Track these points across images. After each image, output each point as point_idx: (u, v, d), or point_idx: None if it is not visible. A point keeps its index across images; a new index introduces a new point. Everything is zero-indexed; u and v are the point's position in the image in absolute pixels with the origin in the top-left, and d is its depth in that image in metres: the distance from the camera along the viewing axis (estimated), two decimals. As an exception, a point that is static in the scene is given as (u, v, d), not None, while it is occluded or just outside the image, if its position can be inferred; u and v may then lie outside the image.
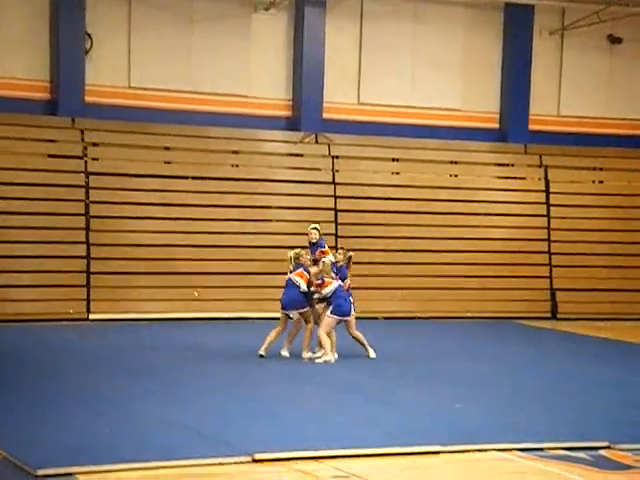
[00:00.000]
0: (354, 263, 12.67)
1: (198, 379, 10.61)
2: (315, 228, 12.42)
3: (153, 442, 7.64)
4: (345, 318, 11.95)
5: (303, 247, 12.60)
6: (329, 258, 12.08)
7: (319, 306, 12.30)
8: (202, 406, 9.09)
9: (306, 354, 12.01)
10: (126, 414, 8.64)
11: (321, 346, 11.92)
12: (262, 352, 12.03)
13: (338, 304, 11.89)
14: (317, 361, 11.81)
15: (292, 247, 12.69)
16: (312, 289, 12.06)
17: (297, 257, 12.17)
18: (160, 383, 10.31)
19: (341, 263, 12.24)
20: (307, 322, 12.07)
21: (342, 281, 12.05)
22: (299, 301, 12.00)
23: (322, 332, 11.86)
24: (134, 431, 8.01)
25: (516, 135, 19.31)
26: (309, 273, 12.08)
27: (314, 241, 12.37)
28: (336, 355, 12.02)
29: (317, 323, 12.18)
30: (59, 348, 12.93)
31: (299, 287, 11.99)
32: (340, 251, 12.65)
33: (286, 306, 12.07)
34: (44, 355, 12.19)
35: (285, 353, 12.10)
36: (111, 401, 9.22)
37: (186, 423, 8.32)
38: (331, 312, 11.88)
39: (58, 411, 8.68)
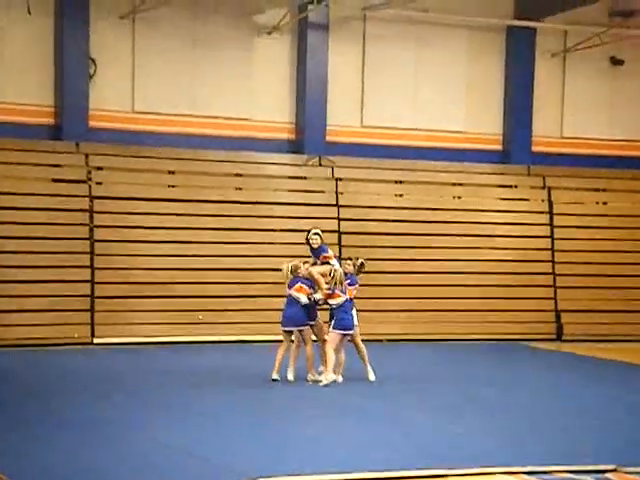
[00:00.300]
0: (365, 272, 12.53)
1: (200, 403, 10.57)
2: (316, 233, 12.17)
3: (154, 467, 7.60)
4: (348, 332, 11.85)
5: (302, 257, 12.41)
6: (340, 269, 11.90)
7: (318, 322, 12.15)
8: (204, 430, 9.06)
9: (311, 376, 11.95)
10: (127, 438, 8.61)
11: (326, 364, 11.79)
12: (275, 376, 11.91)
13: (340, 318, 11.77)
14: (321, 384, 11.72)
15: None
16: (318, 297, 11.83)
17: (295, 269, 11.98)
18: (162, 407, 10.28)
19: (351, 273, 12.13)
20: (305, 343, 11.93)
21: (351, 286, 11.90)
22: (299, 318, 11.88)
23: (329, 348, 11.73)
24: (135, 455, 7.98)
25: (519, 156, 19.35)
26: (310, 286, 11.88)
27: (316, 246, 12.17)
28: (340, 378, 11.96)
29: (318, 338, 12.05)
30: (62, 372, 12.90)
31: (299, 302, 11.88)
32: (349, 262, 12.30)
33: (286, 323, 11.99)
34: (47, 379, 12.16)
35: (290, 376, 12.01)
36: (112, 425, 9.19)
37: (188, 447, 8.28)
38: (334, 327, 11.78)
39: (58, 435, 8.65)
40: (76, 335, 15.49)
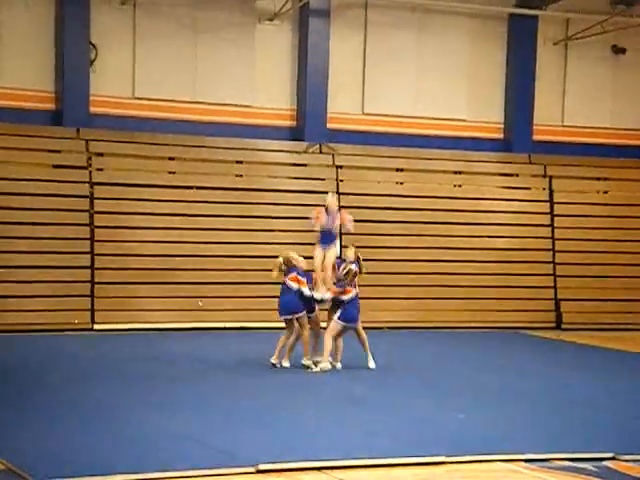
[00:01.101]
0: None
1: (201, 389, 10.59)
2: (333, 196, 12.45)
3: (156, 453, 7.62)
4: (351, 325, 11.89)
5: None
6: (354, 267, 11.93)
7: (316, 314, 12.19)
8: (205, 416, 9.08)
9: (305, 361, 11.94)
10: (128, 424, 8.63)
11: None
12: (273, 360, 11.96)
13: (346, 310, 11.82)
14: (314, 370, 11.73)
15: (303, 257, 12.44)
16: (328, 296, 11.86)
17: (288, 260, 12.00)
18: (163, 393, 10.30)
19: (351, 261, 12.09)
20: (302, 328, 11.90)
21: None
22: (293, 305, 11.91)
23: (328, 336, 11.78)
24: (136, 442, 8.00)
25: (520, 145, 19.33)
26: (303, 276, 11.91)
27: (335, 208, 12.32)
28: (339, 365, 12.00)
29: (313, 329, 12.10)
30: (63, 358, 12.92)
31: (294, 291, 11.87)
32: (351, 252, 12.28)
33: (281, 312, 12.05)
34: (47, 365, 12.18)
35: (286, 364, 12.03)
36: (113, 411, 9.21)
37: (189, 434, 8.30)
38: (338, 317, 11.81)
39: (59, 421, 8.67)
40: (76, 321, 15.51)
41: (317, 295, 11.98)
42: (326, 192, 17.52)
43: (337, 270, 12.07)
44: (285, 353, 12.07)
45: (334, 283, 11.96)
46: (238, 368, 12.14)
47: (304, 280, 11.97)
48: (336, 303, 11.99)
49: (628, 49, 19.89)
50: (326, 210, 12.42)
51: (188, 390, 10.51)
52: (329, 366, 11.81)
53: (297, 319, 11.96)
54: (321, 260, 12.13)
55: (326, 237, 12.30)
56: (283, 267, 12.06)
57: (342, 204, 17.57)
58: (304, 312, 11.97)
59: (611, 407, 10.34)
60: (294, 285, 11.92)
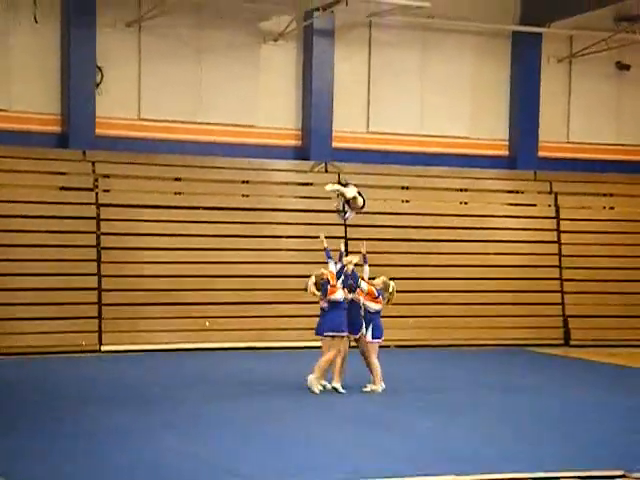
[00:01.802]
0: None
1: (209, 410, 10.58)
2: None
3: (163, 473, 7.61)
4: (381, 341, 11.86)
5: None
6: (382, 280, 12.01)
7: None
8: (213, 437, 9.07)
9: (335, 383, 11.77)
10: (136, 445, 8.62)
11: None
12: (337, 386, 11.69)
13: (377, 326, 11.77)
14: (365, 390, 11.72)
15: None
16: (365, 300, 11.75)
17: (321, 278, 11.77)
18: (171, 414, 10.29)
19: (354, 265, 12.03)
20: (332, 350, 11.66)
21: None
22: (337, 324, 11.59)
23: (374, 360, 11.75)
24: (144, 462, 7.99)
25: (525, 162, 19.35)
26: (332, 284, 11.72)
27: (350, 195, 12.71)
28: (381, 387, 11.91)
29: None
30: (71, 380, 12.91)
31: (341, 308, 11.56)
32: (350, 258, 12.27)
33: (321, 330, 11.71)
34: (55, 387, 12.17)
35: (338, 386, 11.73)
36: (122, 432, 9.21)
37: (196, 454, 8.30)
38: (373, 337, 11.76)
39: (69, 443, 8.66)
40: (84, 343, 15.50)
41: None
42: (332, 211, 17.63)
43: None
44: (336, 375, 11.74)
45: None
46: (245, 388, 12.11)
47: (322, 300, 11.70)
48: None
49: (632, 65, 19.93)
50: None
51: (196, 411, 10.49)
52: (381, 386, 11.81)
53: (333, 337, 11.59)
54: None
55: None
56: (318, 285, 11.76)
57: (348, 223, 17.61)
58: (343, 335, 11.64)
59: (620, 424, 10.30)
60: (337, 296, 11.58)
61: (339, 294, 11.65)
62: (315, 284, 11.89)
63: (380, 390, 11.83)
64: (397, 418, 10.40)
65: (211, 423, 9.81)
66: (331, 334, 11.63)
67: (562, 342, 18.17)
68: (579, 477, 7.83)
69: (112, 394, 11.60)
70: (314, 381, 11.62)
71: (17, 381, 12.71)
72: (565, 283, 18.60)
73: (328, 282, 11.72)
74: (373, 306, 11.88)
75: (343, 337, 11.70)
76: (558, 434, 9.71)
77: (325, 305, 11.76)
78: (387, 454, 8.51)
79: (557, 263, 18.68)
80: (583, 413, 11.06)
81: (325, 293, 11.70)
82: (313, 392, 11.52)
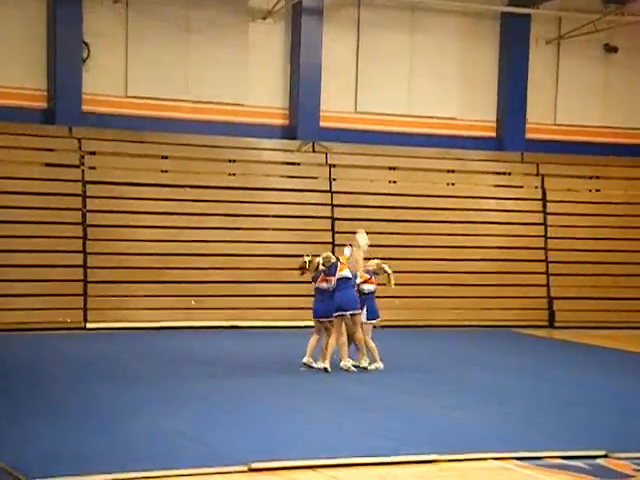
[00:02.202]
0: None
1: (195, 388, 10.58)
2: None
3: (149, 451, 7.62)
4: (377, 321, 12.07)
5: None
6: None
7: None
8: (199, 415, 9.07)
9: (322, 363, 11.80)
10: (122, 423, 8.62)
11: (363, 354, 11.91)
12: (326, 365, 11.72)
13: (373, 308, 11.95)
14: (370, 368, 11.82)
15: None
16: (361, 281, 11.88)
17: (328, 260, 11.81)
18: (156, 392, 10.28)
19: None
20: (330, 334, 11.81)
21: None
22: (325, 309, 11.75)
23: (369, 340, 11.86)
24: (130, 440, 7.99)
25: (513, 144, 19.36)
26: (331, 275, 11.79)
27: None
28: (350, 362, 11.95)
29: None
30: (55, 357, 12.90)
31: (328, 293, 11.67)
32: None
33: (321, 315, 11.83)
34: (40, 364, 12.15)
35: (324, 365, 11.76)
36: (107, 410, 9.20)
37: (182, 432, 8.30)
38: (368, 318, 11.89)
39: (53, 420, 8.66)
40: (69, 320, 15.47)
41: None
42: (319, 191, 17.66)
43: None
44: (325, 355, 11.81)
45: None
46: (231, 367, 12.12)
47: (332, 278, 11.75)
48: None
49: (620, 48, 19.94)
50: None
51: (182, 389, 10.49)
52: (382, 365, 11.93)
53: (330, 322, 11.76)
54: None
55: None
56: (321, 266, 11.80)
57: (334, 203, 17.66)
58: (338, 318, 11.69)
59: (603, 405, 10.36)
60: (326, 285, 11.76)
61: (347, 272, 11.77)
62: (319, 264, 11.90)
63: (381, 367, 11.96)
64: (381, 397, 10.43)
65: (192, 400, 9.81)
66: (346, 313, 11.64)
67: (547, 324, 18.26)
68: (562, 456, 7.88)
69: (95, 371, 11.59)
70: (346, 364, 11.74)
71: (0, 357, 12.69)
72: (550, 265, 18.66)
73: (336, 263, 11.81)
74: (367, 287, 11.98)
75: (357, 314, 11.76)
76: (541, 414, 9.76)
77: (325, 285, 11.77)
78: (369, 432, 8.54)
79: (543, 245, 18.73)
80: (566, 393, 11.12)
81: (334, 271, 11.74)
82: (352, 371, 11.66)
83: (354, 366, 11.82)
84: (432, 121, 19.10)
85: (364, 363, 11.93)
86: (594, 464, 7.72)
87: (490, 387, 11.38)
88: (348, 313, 11.67)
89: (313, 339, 11.90)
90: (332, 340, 11.73)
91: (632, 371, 13.31)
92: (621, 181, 19.66)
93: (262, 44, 18.03)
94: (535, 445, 8.14)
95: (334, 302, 11.68)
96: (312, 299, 12.13)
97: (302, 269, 11.98)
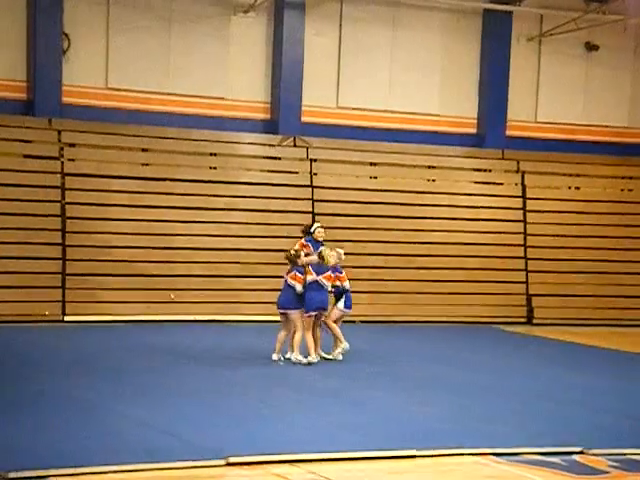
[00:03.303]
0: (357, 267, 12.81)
1: (173, 382, 10.55)
2: (322, 227, 12.78)
3: (126, 445, 7.59)
4: (349, 312, 12.35)
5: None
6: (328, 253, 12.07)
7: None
8: (176, 409, 9.05)
9: (296, 356, 11.89)
10: (100, 416, 8.59)
11: (336, 344, 12.15)
12: (275, 357, 11.92)
13: (349, 298, 12.27)
14: (337, 356, 12.07)
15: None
16: (330, 283, 12.05)
17: (296, 257, 12.00)
18: (134, 385, 10.25)
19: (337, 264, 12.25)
20: (297, 328, 11.91)
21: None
22: (289, 302, 11.91)
23: (331, 323, 12.11)
24: (108, 434, 7.96)
25: (493, 140, 19.40)
26: (302, 273, 11.96)
27: (321, 239, 12.63)
28: (315, 355, 12.03)
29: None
30: (33, 350, 12.83)
31: (294, 289, 11.90)
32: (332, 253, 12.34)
33: (280, 305, 12.03)
34: (17, 357, 12.08)
35: (275, 356, 12.00)
36: (84, 403, 9.16)
37: (160, 426, 8.27)
38: (344, 306, 12.22)
39: (30, 414, 8.60)
40: (47, 313, 15.40)
41: (299, 289, 11.98)
42: (299, 185, 17.65)
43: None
44: (283, 347, 12.03)
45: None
46: (209, 361, 12.10)
47: (301, 277, 11.93)
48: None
49: (601, 46, 20.01)
50: (311, 236, 12.55)
51: (160, 382, 10.47)
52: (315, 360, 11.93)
53: (289, 315, 11.94)
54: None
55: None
56: (293, 259, 11.98)
57: (315, 197, 17.65)
58: (297, 310, 11.88)
59: (580, 401, 10.42)
60: (295, 283, 11.92)
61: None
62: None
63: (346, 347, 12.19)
64: (357, 392, 10.43)
65: (168, 394, 9.78)
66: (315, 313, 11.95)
67: (525, 320, 18.33)
68: (538, 452, 7.92)
69: (72, 364, 11.54)
70: (316, 356, 11.90)
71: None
72: (530, 262, 18.73)
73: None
74: (346, 284, 12.35)
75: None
76: (518, 410, 9.80)
77: (293, 282, 11.90)
78: (346, 427, 8.55)
79: (522, 242, 18.80)
80: (543, 390, 11.17)
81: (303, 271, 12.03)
82: (304, 363, 11.76)
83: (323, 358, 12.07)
84: (413, 117, 19.12)
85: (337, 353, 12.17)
86: (570, 460, 7.76)
87: (467, 383, 11.40)
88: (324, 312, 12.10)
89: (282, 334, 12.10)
90: (298, 336, 11.87)
91: (609, 368, 13.39)
92: (601, 179, 19.76)
93: (244, 38, 17.98)
94: (512, 441, 8.17)
95: (312, 300, 11.84)
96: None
97: (291, 260, 12.04)
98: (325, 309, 12.07)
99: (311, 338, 11.91)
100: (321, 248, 12.11)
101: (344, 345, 12.23)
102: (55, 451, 7.28)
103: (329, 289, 12.10)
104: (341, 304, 12.33)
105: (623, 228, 19.33)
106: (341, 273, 12.29)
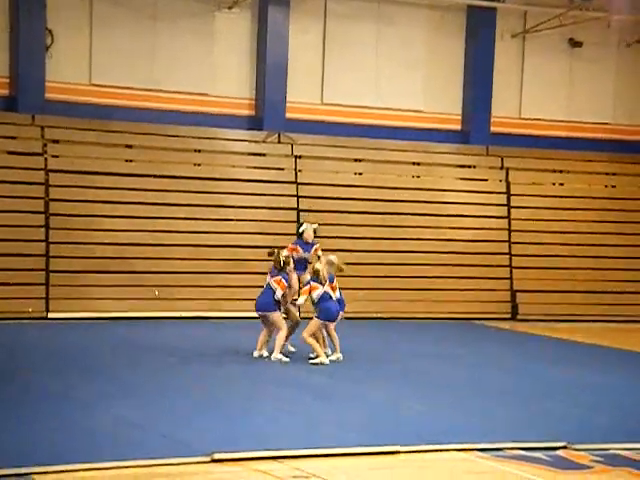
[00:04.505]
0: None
1: (157, 379, 10.54)
2: (315, 225, 12.84)
3: (111, 442, 7.57)
4: (332, 323, 12.00)
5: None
6: (321, 266, 12.03)
7: (294, 309, 12.39)
8: (161, 406, 9.04)
9: (275, 355, 11.89)
10: (84, 414, 8.56)
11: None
12: (256, 354, 11.99)
13: (326, 307, 11.89)
14: (311, 362, 11.80)
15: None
16: (289, 299, 12.11)
17: (287, 262, 12.03)
18: (118, 383, 10.23)
19: (331, 272, 12.13)
20: (279, 328, 11.97)
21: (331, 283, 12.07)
22: (269, 305, 11.96)
23: (306, 335, 11.85)
24: (92, 431, 7.94)
25: (478, 137, 19.44)
26: (287, 280, 12.05)
27: (310, 240, 12.66)
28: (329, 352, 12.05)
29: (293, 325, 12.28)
30: (16, 347, 12.78)
31: (274, 292, 11.96)
32: (321, 259, 12.38)
33: (259, 308, 12.06)
34: (0, 354, 12.03)
35: (256, 353, 12.04)
36: (68, 401, 9.13)
37: (144, 423, 8.26)
38: (317, 316, 11.90)
39: (13, 410, 8.57)
40: (30, 309, 15.33)
41: (299, 300, 12.12)
42: (284, 182, 17.64)
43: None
44: (263, 345, 12.09)
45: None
46: (193, 358, 12.08)
47: (285, 285, 12.00)
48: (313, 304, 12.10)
49: (585, 43, 20.07)
50: (300, 237, 12.62)
51: (144, 379, 10.45)
52: (327, 361, 11.82)
53: (271, 317, 11.97)
54: (297, 283, 12.37)
55: (302, 264, 12.52)
56: (280, 265, 11.98)
57: (300, 194, 17.65)
58: (276, 312, 11.97)
59: (564, 397, 10.47)
60: (277, 287, 11.95)
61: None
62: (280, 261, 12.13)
63: (322, 362, 11.91)
64: (341, 388, 10.45)
65: (153, 390, 9.78)
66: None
67: (510, 316, 18.38)
68: (522, 448, 7.95)
69: (56, 361, 11.50)
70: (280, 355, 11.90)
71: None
72: (514, 258, 18.78)
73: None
74: (313, 294, 11.99)
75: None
76: (503, 406, 9.83)
77: (276, 286, 12.02)
78: (330, 423, 8.56)
79: (506, 238, 18.85)
80: (528, 385, 11.22)
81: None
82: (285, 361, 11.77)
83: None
84: (398, 113, 19.13)
85: (331, 355, 12.10)
86: (554, 455, 7.80)
87: (451, 379, 11.44)
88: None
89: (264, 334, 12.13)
90: (281, 334, 11.92)
91: (593, 363, 13.46)
92: (585, 175, 19.82)
93: (228, 34, 17.94)
94: (496, 436, 8.20)
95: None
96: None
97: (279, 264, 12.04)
98: (336, 319, 12.04)
99: (315, 342, 11.88)
100: (316, 265, 12.03)
101: (324, 359, 11.88)
102: (37, 448, 7.25)
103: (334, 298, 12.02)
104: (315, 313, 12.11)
105: (607, 224, 19.40)
106: (332, 282, 12.12)
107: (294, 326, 12.31)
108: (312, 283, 11.88)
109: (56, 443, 7.44)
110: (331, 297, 11.94)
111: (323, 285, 11.87)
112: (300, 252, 12.53)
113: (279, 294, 11.96)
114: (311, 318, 12.03)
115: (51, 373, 10.64)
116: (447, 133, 19.45)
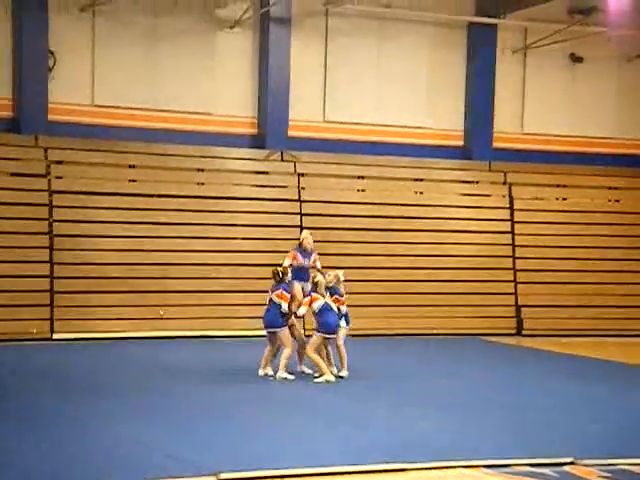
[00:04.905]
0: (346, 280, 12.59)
1: (163, 398, 10.52)
2: (309, 233, 12.77)
3: (117, 462, 7.55)
4: (331, 336, 11.95)
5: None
6: (322, 278, 12.05)
7: (299, 324, 12.40)
8: (167, 426, 9.02)
9: (280, 374, 11.89)
10: (89, 434, 8.55)
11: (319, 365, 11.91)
12: (261, 372, 11.99)
13: (324, 322, 11.86)
14: (315, 381, 11.74)
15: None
16: (295, 309, 12.06)
17: (285, 272, 12.04)
18: (123, 403, 10.21)
19: (332, 284, 12.11)
20: (285, 345, 11.95)
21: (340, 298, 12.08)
22: (276, 321, 11.94)
23: (310, 352, 11.82)
24: (97, 451, 7.92)
25: (480, 152, 19.47)
26: (287, 290, 12.03)
27: (309, 249, 12.63)
28: (334, 371, 12.04)
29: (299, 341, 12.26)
30: (21, 368, 12.75)
31: (280, 307, 11.93)
32: (330, 272, 12.35)
33: (267, 325, 12.05)
34: (4, 375, 12.01)
35: (261, 372, 12.05)
36: (74, 421, 9.12)
37: (150, 443, 8.24)
38: (317, 331, 11.89)
39: (19, 431, 8.55)
40: (35, 331, 15.33)
41: (300, 311, 12.06)
42: (287, 200, 17.66)
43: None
44: (267, 363, 12.09)
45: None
46: (199, 377, 12.06)
47: (288, 296, 11.99)
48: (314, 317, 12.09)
49: (585, 58, 20.14)
50: (300, 246, 12.64)
51: (150, 399, 10.43)
52: (333, 378, 11.81)
53: (276, 334, 11.97)
54: (301, 293, 12.32)
55: (302, 273, 12.49)
56: (279, 277, 11.99)
57: (303, 212, 17.66)
58: (285, 328, 11.95)
59: (570, 412, 10.43)
60: (281, 301, 11.93)
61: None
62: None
63: (322, 380, 11.85)
64: (348, 407, 10.42)
65: (159, 410, 9.76)
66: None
67: (515, 332, 18.34)
68: (530, 464, 7.91)
69: (61, 382, 11.48)
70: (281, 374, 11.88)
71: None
72: (518, 273, 18.77)
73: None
74: (313, 306, 11.94)
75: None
76: (509, 421, 9.80)
77: (278, 300, 12.03)
78: (337, 442, 8.53)
79: (510, 253, 18.84)
80: (535, 401, 11.18)
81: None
82: (290, 379, 11.78)
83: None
84: (400, 130, 19.17)
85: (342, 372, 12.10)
86: (561, 471, 7.76)
87: (457, 396, 11.40)
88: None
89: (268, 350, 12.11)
90: (286, 353, 11.89)
91: (598, 378, 13.41)
92: (588, 189, 19.82)
93: (230, 53, 18.01)
94: (503, 452, 8.16)
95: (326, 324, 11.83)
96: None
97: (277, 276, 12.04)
98: (336, 332, 12.01)
99: (319, 359, 11.86)
100: (318, 277, 12.03)
101: (329, 376, 11.85)
102: (42, 469, 7.23)
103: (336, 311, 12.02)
104: (343, 322, 12.19)
105: (611, 238, 19.39)
106: (341, 296, 12.15)
107: (302, 346, 12.23)
108: (313, 294, 11.88)
109: (62, 463, 7.42)
110: (332, 309, 11.89)
111: (324, 297, 11.85)
112: (300, 260, 12.49)
113: (285, 307, 11.91)
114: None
115: (55, 393, 10.62)
116: (449, 149, 19.49)
